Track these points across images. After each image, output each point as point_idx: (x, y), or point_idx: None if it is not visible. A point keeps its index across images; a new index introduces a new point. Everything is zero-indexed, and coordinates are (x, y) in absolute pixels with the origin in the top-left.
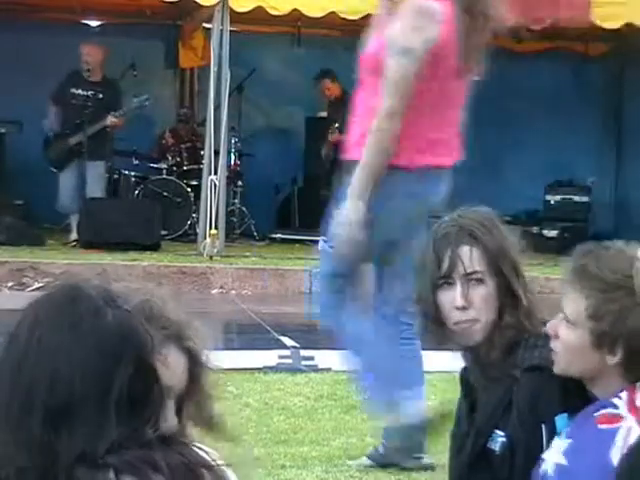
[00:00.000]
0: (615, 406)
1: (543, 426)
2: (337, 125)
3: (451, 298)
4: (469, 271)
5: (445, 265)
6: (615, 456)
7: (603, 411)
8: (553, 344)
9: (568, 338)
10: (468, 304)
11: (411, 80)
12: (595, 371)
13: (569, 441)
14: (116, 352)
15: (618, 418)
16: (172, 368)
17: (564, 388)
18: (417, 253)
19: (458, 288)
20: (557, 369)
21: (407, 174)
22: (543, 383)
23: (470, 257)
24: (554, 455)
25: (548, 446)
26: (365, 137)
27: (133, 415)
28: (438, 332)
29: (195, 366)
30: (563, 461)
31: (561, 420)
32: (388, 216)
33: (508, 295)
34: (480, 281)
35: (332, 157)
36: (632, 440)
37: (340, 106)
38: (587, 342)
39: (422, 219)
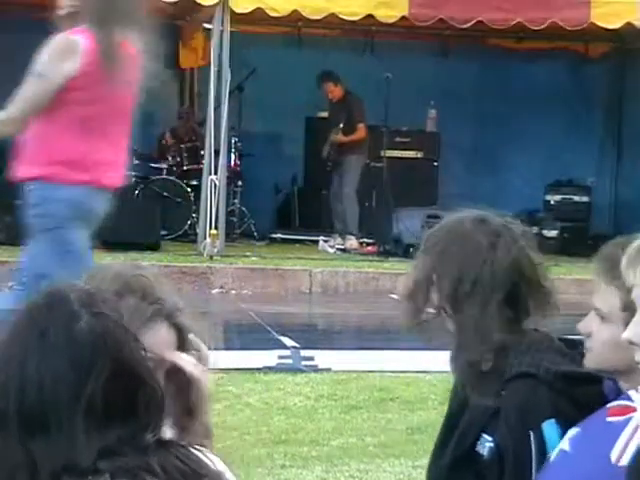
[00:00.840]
0: (630, 399)
1: (532, 433)
2: (341, 126)
3: None
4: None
5: None
6: (615, 453)
7: (617, 402)
8: (587, 342)
9: (602, 334)
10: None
11: (37, 100)
12: (630, 365)
13: (578, 429)
14: (87, 359)
15: (629, 410)
16: (162, 344)
17: (554, 394)
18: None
19: None
20: (590, 365)
21: (52, 185)
22: (532, 390)
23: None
24: (563, 442)
25: (537, 453)
26: (33, 158)
27: (121, 421)
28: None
29: (184, 344)
30: (567, 448)
31: (549, 426)
32: (41, 217)
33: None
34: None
35: (333, 157)
36: (637, 440)
37: (342, 107)
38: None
39: (73, 223)
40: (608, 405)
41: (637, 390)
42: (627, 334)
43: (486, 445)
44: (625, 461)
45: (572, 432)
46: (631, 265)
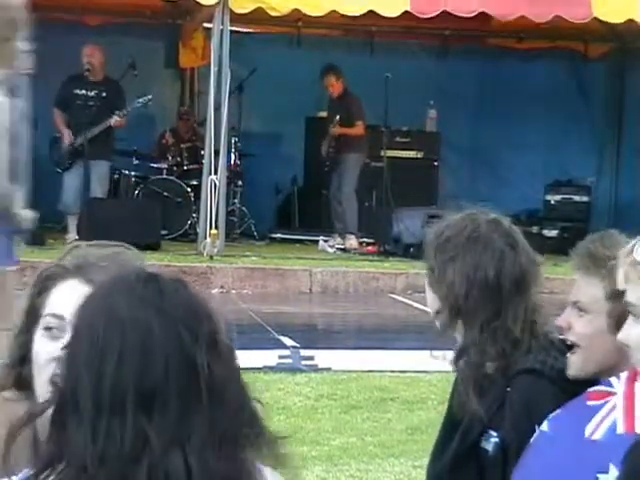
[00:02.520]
0: (610, 384)
1: (537, 428)
2: (337, 118)
3: None
4: None
5: None
6: (590, 428)
7: (597, 388)
8: (568, 336)
9: (584, 327)
10: None
11: None
12: (614, 358)
13: (558, 412)
14: (196, 330)
15: (608, 394)
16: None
17: (558, 390)
18: None
19: None
20: (575, 367)
21: None
22: (537, 386)
23: None
24: (543, 424)
25: None
26: None
27: (216, 402)
28: None
29: None
30: (546, 429)
31: None
32: None
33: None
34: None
35: (332, 155)
36: (613, 417)
37: (341, 105)
38: (605, 326)
39: None
40: (589, 390)
41: (618, 377)
42: (621, 336)
43: (491, 440)
44: (598, 436)
45: (553, 415)
46: (619, 270)
